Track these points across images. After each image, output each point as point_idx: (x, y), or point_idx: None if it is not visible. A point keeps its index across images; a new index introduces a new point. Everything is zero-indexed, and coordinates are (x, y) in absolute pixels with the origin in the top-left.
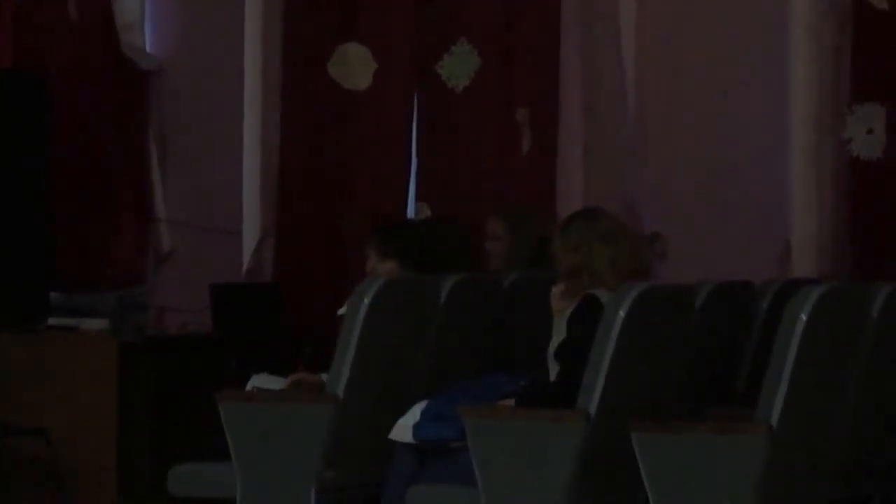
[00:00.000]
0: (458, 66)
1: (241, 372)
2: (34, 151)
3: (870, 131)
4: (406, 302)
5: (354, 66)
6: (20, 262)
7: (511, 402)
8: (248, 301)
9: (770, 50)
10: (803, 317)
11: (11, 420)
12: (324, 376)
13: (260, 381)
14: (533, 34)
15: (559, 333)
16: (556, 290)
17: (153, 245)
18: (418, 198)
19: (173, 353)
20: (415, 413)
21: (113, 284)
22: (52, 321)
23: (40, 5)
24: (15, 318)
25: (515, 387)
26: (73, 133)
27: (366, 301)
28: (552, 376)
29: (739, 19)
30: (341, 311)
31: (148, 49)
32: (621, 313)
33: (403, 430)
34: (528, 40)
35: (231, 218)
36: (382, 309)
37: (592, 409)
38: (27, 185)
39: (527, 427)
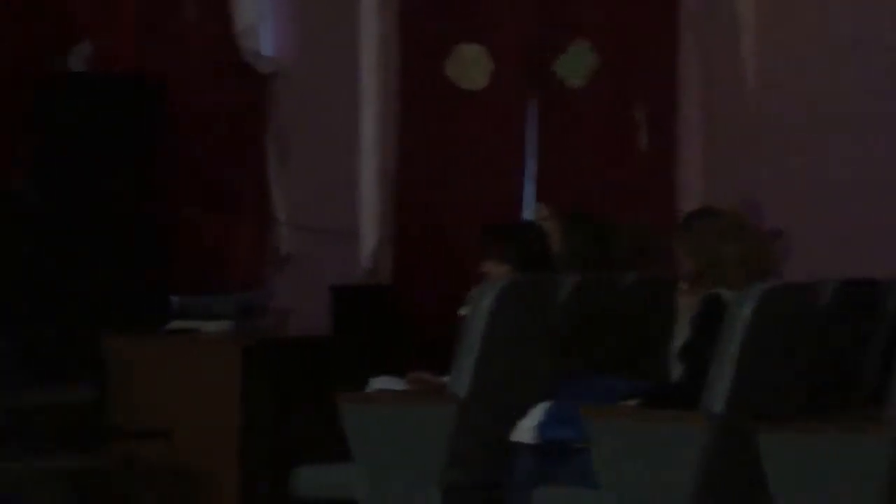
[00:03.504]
0: (575, 65)
1: (360, 373)
2: (154, 156)
3: None
4: (527, 303)
5: (471, 66)
6: (142, 267)
7: (634, 402)
8: (366, 303)
9: (892, 41)
10: None
11: (135, 423)
12: (444, 378)
13: (381, 382)
14: (651, 31)
15: (683, 334)
16: (680, 289)
17: (272, 248)
18: (536, 198)
19: (293, 354)
20: (537, 414)
21: (233, 287)
22: (173, 325)
23: (160, 11)
24: (137, 321)
25: (637, 387)
26: (192, 137)
27: (487, 302)
28: (676, 377)
29: (860, 11)
30: (462, 311)
31: (266, 52)
32: (746, 312)
33: (526, 431)
34: (646, 37)
35: (349, 220)
36: (503, 310)
37: (717, 410)
38: (148, 190)
39: (651, 428)
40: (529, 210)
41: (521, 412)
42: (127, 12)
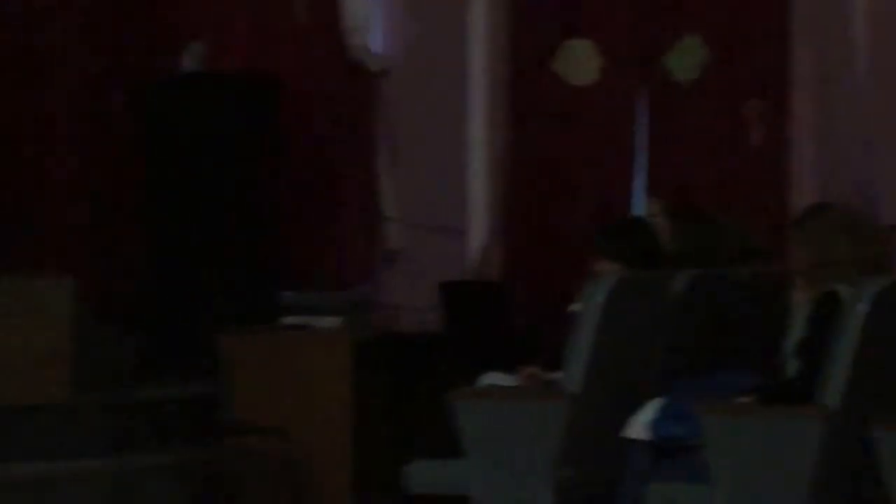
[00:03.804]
0: (686, 60)
1: (470, 369)
2: (266, 153)
3: None
4: (639, 299)
5: (580, 62)
6: (253, 263)
7: (748, 399)
8: (475, 299)
9: None
10: None
11: (249, 418)
12: (554, 374)
13: (492, 378)
14: (763, 25)
15: (798, 330)
16: (796, 286)
17: (382, 244)
18: (646, 193)
19: (404, 350)
20: (650, 411)
21: (344, 284)
22: (286, 321)
23: (271, 10)
24: (250, 317)
25: (751, 384)
26: (303, 135)
27: (599, 298)
28: (791, 373)
29: None
30: (573, 307)
31: (375, 50)
32: (862, 309)
33: (639, 427)
34: (758, 32)
35: (458, 216)
36: (615, 306)
37: (832, 406)
38: (260, 187)
39: (765, 424)
40: (639, 206)
41: (634, 408)
42: (239, 12)
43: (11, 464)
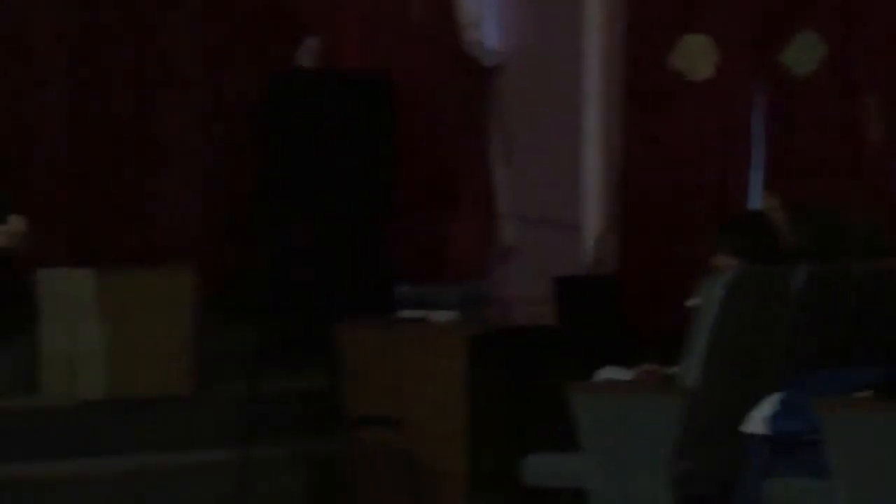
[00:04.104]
0: (803, 54)
1: (584, 363)
2: (382, 149)
3: None
4: (758, 294)
5: (697, 57)
6: (370, 257)
7: (868, 394)
8: (590, 293)
9: None
10: None
11: (366, 410)
12: (671, 368)
13: (608, 373)
14: (882, 19)
15: None
16: None
17: (496, 239)
18: (764, 188)
19: (519, 344)
20: (769, 405)
21: (458, 278)
22: (401, 314)
23: (386, 5)
24: (367, 311)
25: (871, 379)
26: (418, 130)
27: (718, 293)
28: None
29: None
30: (690, 302)
31: (490, 46)
32: None
33: (758, 422)
34: (877, 25)
35: (573, 211)
36: (734, 301)
37: None
38: (375, 183)
39: (885, 419)
40: (756, 200)
41: (753, 403)
42: (353, 8)
43: (136, 455)
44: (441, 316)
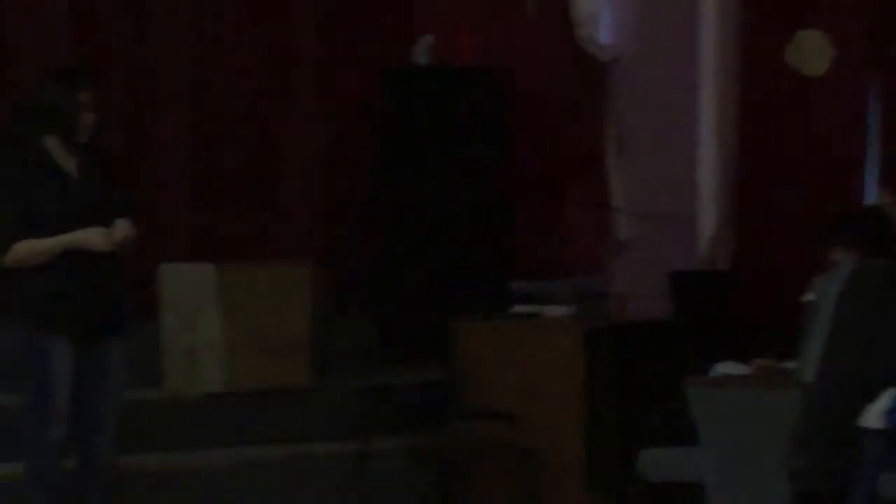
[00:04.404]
0: None
1: (700, 358)
2: (499, 145)
3: None
4: (875, 289)
5: (812, 53)
6: (486, 252)
7: None
8: (706, 288)
9: None
10: None
11: (482, 405)
12: (785, 363)
13: (725, 367)
14: None
15: None
16: None
17: (612, 233)
18: (880, 183)
19: (635, 338)
20: (887, 399)
21: (573, 273)
22: (516, 309)
23: (501, 3)
24: (482, 305)
25: None
26: (533, 126)
27: (835, 288)
28: None
29: None
30: (806, 297)
31: (605, 41)
32: None
33: (875, 416)
34: None
35: (688, 206)
36: (852, 296)
37: None
38: (491, 178)
39: None
40: (872, 195)
41: (871, 397)
42: (468, 5)
43: (256, 447)
44: (556, 311)
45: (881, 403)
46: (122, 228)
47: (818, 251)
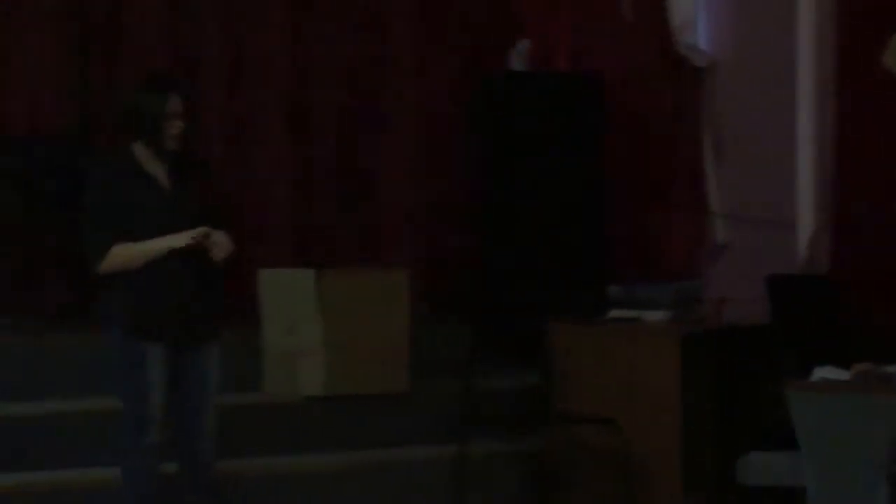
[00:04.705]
0: None
1: (798, 362)
2: (593, 150)
3: None
4: None
5: None
6: (582, 257)
7: None
8: (804, 292)
9: None
10: None
11: (579, 408)
12: (887, 368)
13: (825, 372)
14: None
15: None
16: None
17: (708, 238)
18: None
19: (733, 343)
20: None
21: (670, 277)
22: (613, 313)
23: (597, 7)
24: (579, 310)
25: None
26: (629, 131)
27: None
28: None
29: None
30: None
31: (702, 46)
32: None
33: None
34: None
35: (786, 210)
36: None
37: None
38: (587, 183)
39: None
40: None
41: None
42: (564, 10)
43: (355, 451)
44: (653, 315)
45: None
46: (222, 242)
47: None
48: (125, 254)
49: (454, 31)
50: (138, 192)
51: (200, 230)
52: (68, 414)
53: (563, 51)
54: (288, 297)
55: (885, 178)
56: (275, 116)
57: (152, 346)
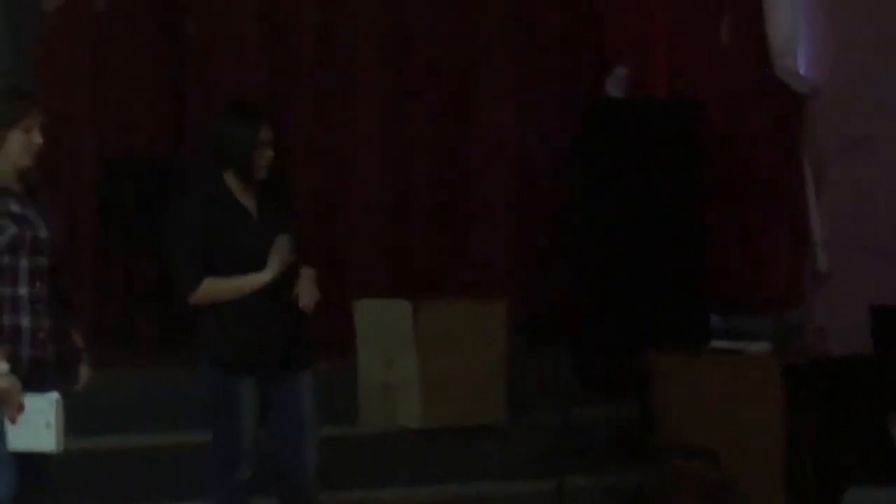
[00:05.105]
0: None
1: None
2: (691, 177)
3: None
4: None
5: None
6: (681, 286)
7: None
8: None
9: None
10: None
11: (680, 441)
12: None
13: None
14: None
15: None
16: None
17: (811, 266)
18: None
19: (836, 374)
20: None
21: (772, 307)
22: (714, 344)
23: (694, 33)
24: (678, 340)
25: None
26: (729, 158)
27: None
28: None
29: None
30: None
31: (802, 71)
32: None
33: None
34: None
35: (890, 238)
36: None
37: None
38: (685, 211)
39: None
40: None
41: None
42: (662, 36)
43: (452, 483)
44: (755, 347)
45: None
46: (308, 290)
47: None
48: (216, 289)
49: (551, 58)
50: (228, 222)
51: (286, 260)
52: (158, 447)
53: (660, 77)
54: (384, 328)
55: None
56: (369, 144)
57: (244, 379)
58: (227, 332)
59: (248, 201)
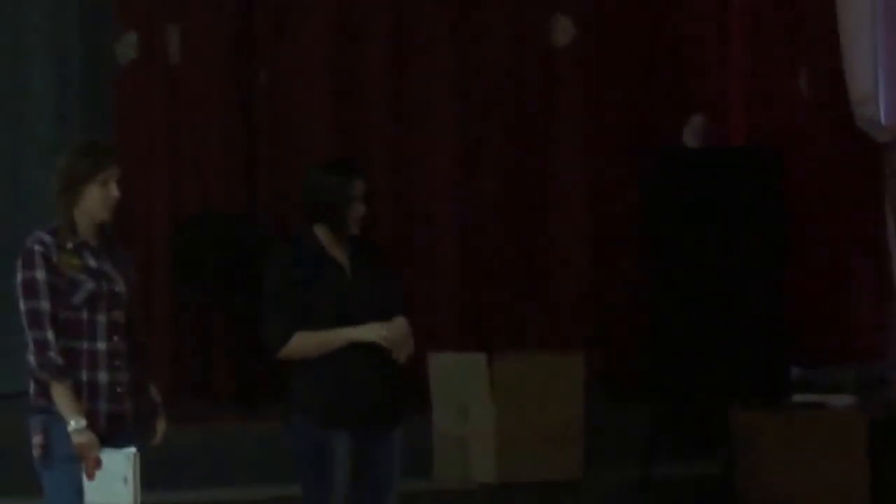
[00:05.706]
0: None
1: None
2: (773, 227)
3: None
4: None
5: None
6: (763, 338)
7: None
8: None
9: None
10: None
11: (763, 498)
12: None
13: None
14: None
15: None
16: None
17: (894, 317)
18: None
19: None
20: None
21: (855, 359)
22: (796, 397)
23: (772, 81)
24: (760, 393)
25: None
26: (808, 207)
27: None
28: None
29: None
30: None
31: (883, 120)
32: None
33: None
34: None
35: None
36: None
37: None
38: (765, 260)
39: None
40: None
41: None
42: (739, 84)
43: None
44: (839, 400)
45: None
46: (401, 331)
47: None
48: (308, 343)
49: (627, 107)
50: (320, 277)
51: (409, 353)
52: (235, 503)
53: (739, 125)
54: (459, 380)
55: None
56: (443, 199)
57: (337, 434)
58: (324, 385)
59: (340, 256)
